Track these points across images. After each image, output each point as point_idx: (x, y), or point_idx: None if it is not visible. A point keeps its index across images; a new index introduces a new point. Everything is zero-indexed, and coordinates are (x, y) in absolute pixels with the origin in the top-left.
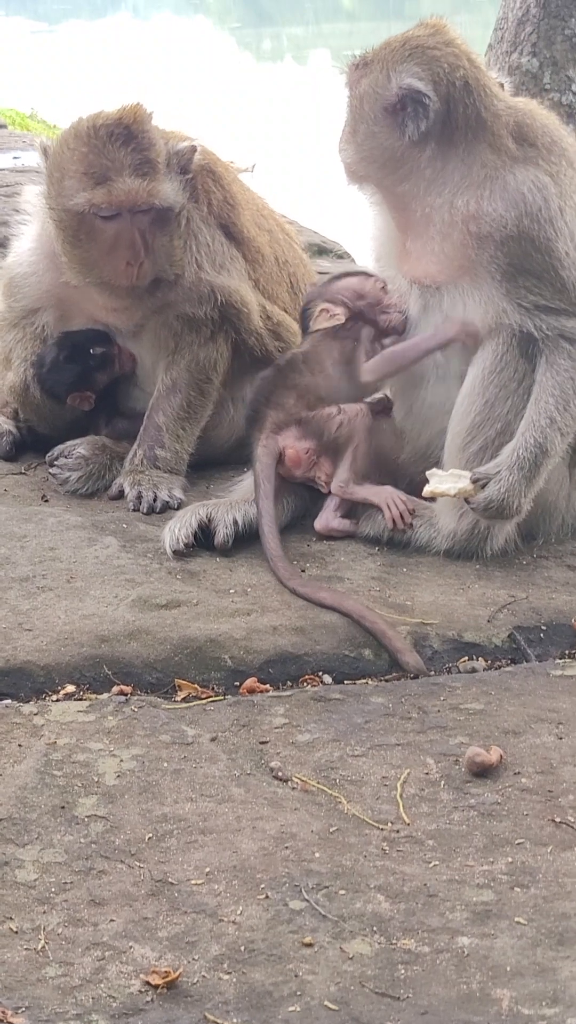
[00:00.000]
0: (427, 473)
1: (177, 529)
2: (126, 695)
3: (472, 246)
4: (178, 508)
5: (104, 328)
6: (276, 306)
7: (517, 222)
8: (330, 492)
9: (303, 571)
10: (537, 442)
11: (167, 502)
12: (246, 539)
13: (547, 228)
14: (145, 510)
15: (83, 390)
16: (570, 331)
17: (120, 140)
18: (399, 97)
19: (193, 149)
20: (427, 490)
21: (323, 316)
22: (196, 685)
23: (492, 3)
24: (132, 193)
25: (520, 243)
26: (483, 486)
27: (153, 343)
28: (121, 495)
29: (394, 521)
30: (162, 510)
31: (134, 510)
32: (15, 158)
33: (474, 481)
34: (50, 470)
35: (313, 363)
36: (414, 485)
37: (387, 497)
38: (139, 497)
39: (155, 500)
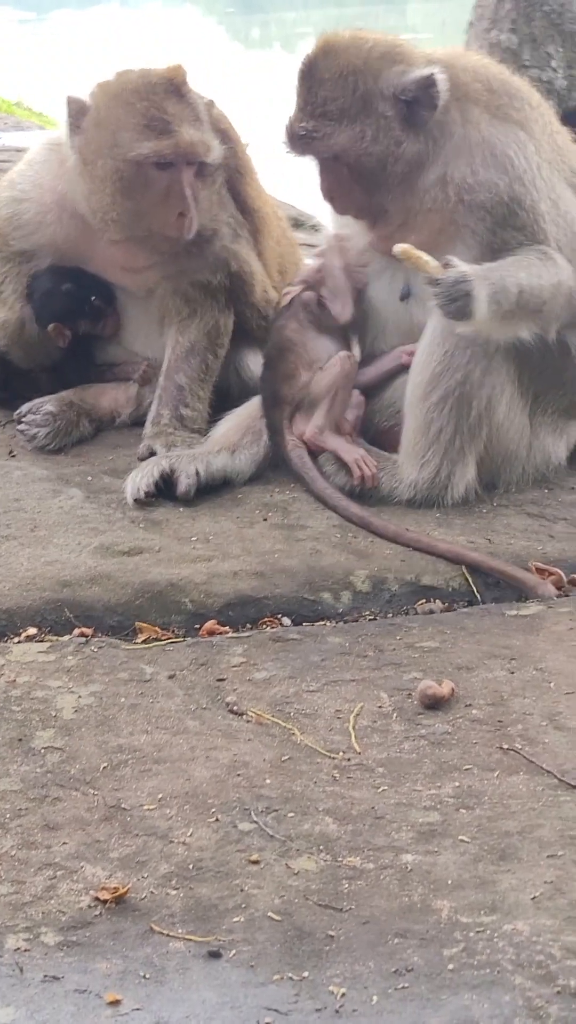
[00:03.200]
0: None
1: (139, 479)
2: (87, 637)
3: (460, 212)
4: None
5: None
6: (268, 282)
7: (509, 188)
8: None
9: (265, 520)
10: (509, 276)
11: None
12: (209, 490)
13: (532, 190)
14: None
15: (66, 325)
16: (541, 247)
17: (174, 95)
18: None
19: (212, 103)
20: (399, 248)
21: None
22: (156, 628)
23: None
24: (195, 143)
25: (510, 206)
26: (449, 268)
27: (161, 307)
28: (151, 455)
29: (361, 480)
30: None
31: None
32: None
33: (445, 265)
34: (18, 427)
35: (295, 347)
36: (379, 435)
37: (357, 457)
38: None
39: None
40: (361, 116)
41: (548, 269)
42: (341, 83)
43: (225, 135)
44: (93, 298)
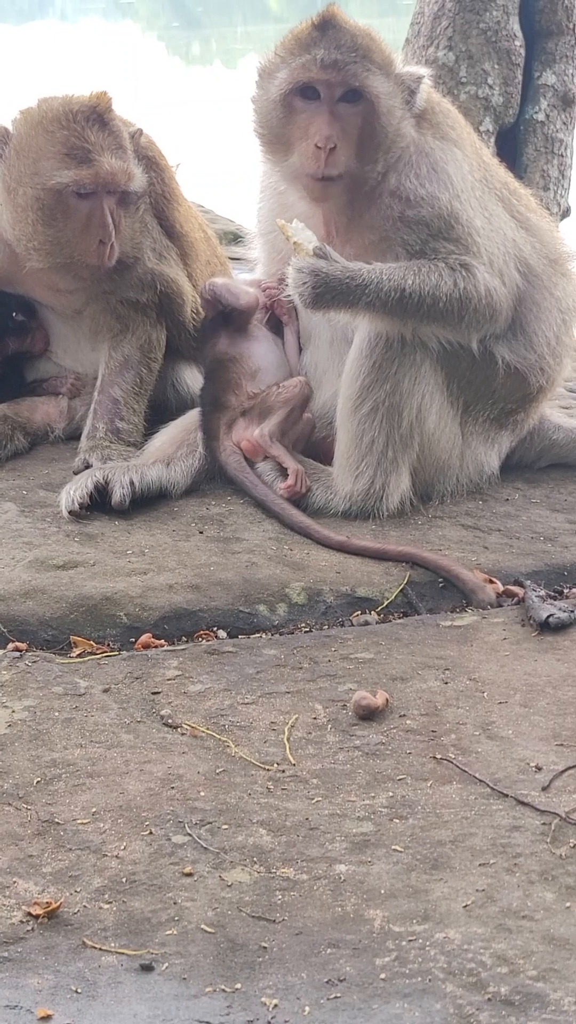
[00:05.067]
0: (293, 223)
1: (73, 491)
2: (20, 651)
3: (399, 227)
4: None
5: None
6: (199, 301)
7: (449, 203)
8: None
9: (200, 533)
10: (381, 275)
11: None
12: (145, 503)
13: (467, 207)
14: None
15: None
16: (459, 259)
17: (96, 123)
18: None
19: (140, 132)
20: (279, 221)
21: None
22: (91, 642)
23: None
24: (115, 172)
25: (447, 220)
26: (318, 258)
27: (93, 325)
28: (87, 468)
29: (291, 489)
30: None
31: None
32: None
33: (315, 250)
34: None
35: (234, 359)
36: (314, 447)
37: (299, 469)
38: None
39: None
40: (392, 76)
41: (448, 279)
42: (371, 39)
43: (152, 162)
44: (15, 314)
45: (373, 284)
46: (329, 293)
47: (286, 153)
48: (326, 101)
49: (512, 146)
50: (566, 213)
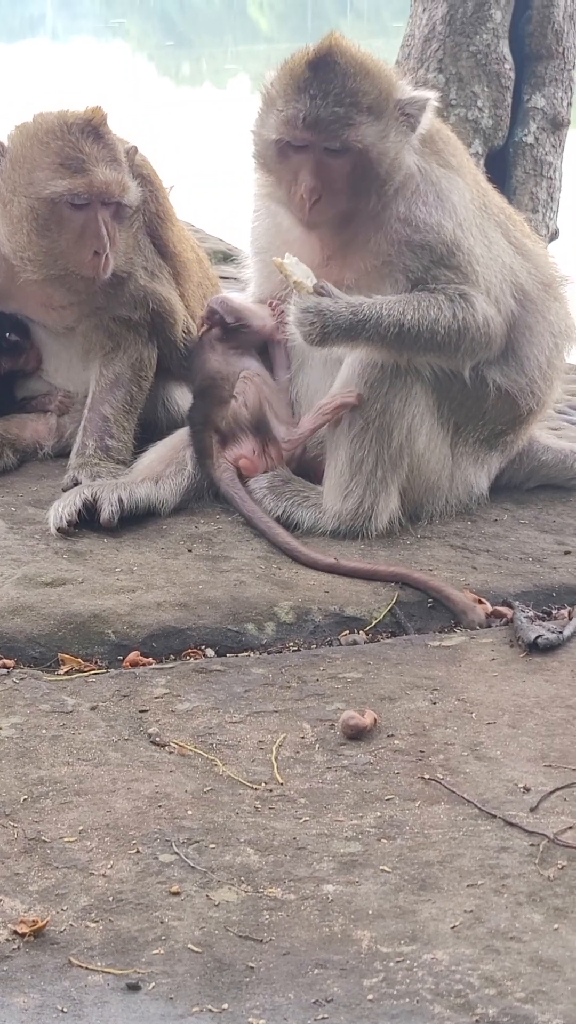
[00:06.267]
0: (286, 258)
1: (61, 508)
2: (8, 668)
3: (403, 252)
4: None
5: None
6: (191, 321)
7: (453, 232)
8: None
9: (189, 551)
10: (381, 309)
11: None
12: (134, 519)
13: (469, 236)
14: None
15: None
16: (458, 289)
17: (91, 136)
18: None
19: (135, 149)
20: (275, 260)
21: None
22: (79, 659)
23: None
24: (109, 183)
25: (450, 247)
26: (319, 296)
27: (85, 342)
28: (76, 485)
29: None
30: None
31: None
32: None
33: (316, 288)
34: None
35: (226, 377)
36: (305, 465)
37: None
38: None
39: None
40: (385, 115)
41: (447, 311)
42: (365, 77)
43: (146, 180)
44: (8, 334)
45: (373, 320)
46: (335, 331)
47: (278, 185)
48: (314, 151)
49: (501, 168)
50: (554, 235)
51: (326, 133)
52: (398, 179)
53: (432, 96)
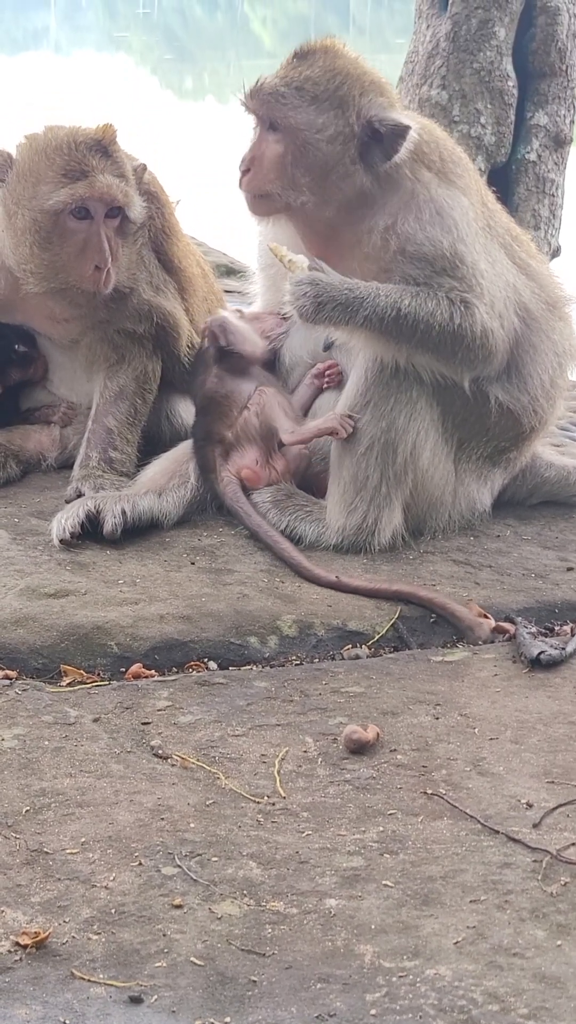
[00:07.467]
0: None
1: (64, 520)
2: (11, 679)
3: (399, 261)
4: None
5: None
6: (195, 336)
7: (452, 246)
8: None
9: (192, 563)
10: (378, 291)
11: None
12: (137, 531)
13: (472, 251)
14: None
15: None
16: (461, 295)
17: (99, 152)
18: (371, 130)
19: (144, 167)
20: (271, 245)
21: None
22: (82, 671)
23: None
24: (111, 188)
25: (451, 260)
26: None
27: (89, 354)
28: (79, 497)
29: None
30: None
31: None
32: None
33: (310, 267)
34: None
35: (226, 396)
36: (307, 479)
37: (335, 419)
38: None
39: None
40: (331, 112)
41: (445, 309)
42: (329, 76)
43: (153, 196)
44: (17, 346)
45: (370, 298)
46: (330, 303)
47: None
48: (261, 124)
49: (504, 185)
50: (556, 253)
51: (259, 101)
52: (360, 188)
53: (408, 122)
